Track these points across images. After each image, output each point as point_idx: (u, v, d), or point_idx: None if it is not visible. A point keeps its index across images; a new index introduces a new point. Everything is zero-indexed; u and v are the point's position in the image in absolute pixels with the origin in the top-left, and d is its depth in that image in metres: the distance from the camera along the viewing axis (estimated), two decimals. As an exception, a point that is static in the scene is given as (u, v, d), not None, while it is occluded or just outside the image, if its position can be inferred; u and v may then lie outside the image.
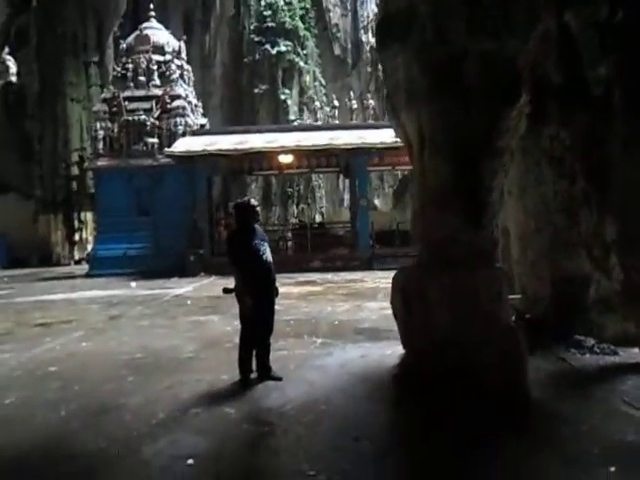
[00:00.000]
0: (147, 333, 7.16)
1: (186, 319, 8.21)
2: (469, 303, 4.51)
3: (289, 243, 19.03)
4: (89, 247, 25.19)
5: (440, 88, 4.86)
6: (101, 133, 17.70)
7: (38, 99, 24.25)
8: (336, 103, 24.61)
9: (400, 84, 5.18)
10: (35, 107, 24.49)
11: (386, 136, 16.34)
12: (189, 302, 10.26)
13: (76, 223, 25.34)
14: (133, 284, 14.21)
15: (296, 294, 10.80)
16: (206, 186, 17.15)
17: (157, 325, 7.77)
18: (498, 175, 4.89)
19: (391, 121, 5.70)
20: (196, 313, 8.81)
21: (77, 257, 25.25)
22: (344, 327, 7.26)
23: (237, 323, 7.02)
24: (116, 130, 17.76)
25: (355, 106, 24.02)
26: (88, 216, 25.23)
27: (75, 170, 24.85)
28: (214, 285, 13.36)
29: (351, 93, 26.29)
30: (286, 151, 16.96)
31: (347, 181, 33.20)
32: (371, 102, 26.50)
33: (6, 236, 24.08)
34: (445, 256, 4.80)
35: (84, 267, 22.00)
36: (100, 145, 17.68)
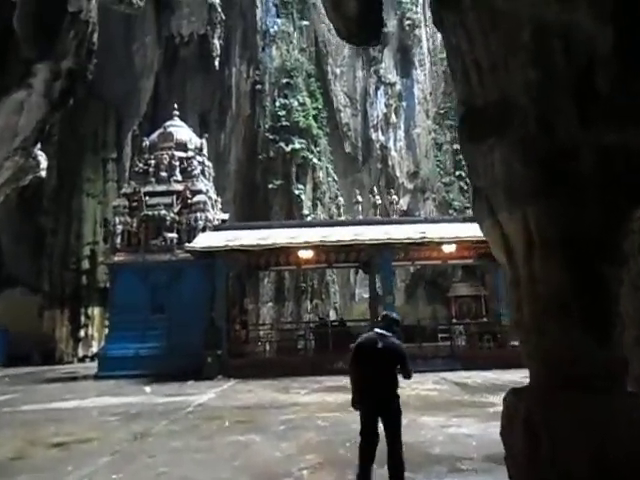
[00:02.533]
0: (185, 460, 6.16)
1: (224, 439, 7.18)
2: (610, 433, 3.71)
3: (308, 342, 18.05)
4: (94, 344, 24.17)
5: (550, 185, 4.31)
6: (119, 228, 17.36)
7: (54, 194, 24.33)
8: (356, 198, 24.62)
9: (498, 181, 4.65)
10: (51, 202, 24.53)
11: (411, 232, 16.00)
12: (218, 415, 9.21)
13: (82, 319, 24.44)
14: (147, 389, 13.13)
15: (333, 404, 9.77)
16: (225, 282, 16.52)
17: (192, 448, 6.75)
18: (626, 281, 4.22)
19: (482, 222, 5.09)
20: (232, 431, 7.76)
21: (81, 354, 24.09)
22: (413, 453, 6.24)
23: (285, 446, 6.06)
24: (135, 225, 17.43)
25: (365, 200, 24.00)
26: (96, 311, 24.43)
27: (86, 264, 24.38)
28: (237, 392, 12.31)
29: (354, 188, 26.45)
30: (310, 247, 16.50)
31: (358, 276, 32.86)
32: (378, 198, 26.80)
33: (7, 331, 23.17)
34: (569, 377, 4.03)
35: (88, 365, 20.85)
36: (118, 240, 17.26)
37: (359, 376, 4.78)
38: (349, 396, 4.78)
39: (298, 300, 27.24)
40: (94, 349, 23.88)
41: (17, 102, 9.78)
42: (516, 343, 21.45)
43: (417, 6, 37.23)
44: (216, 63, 27.68)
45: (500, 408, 4.20)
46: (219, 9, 26.49)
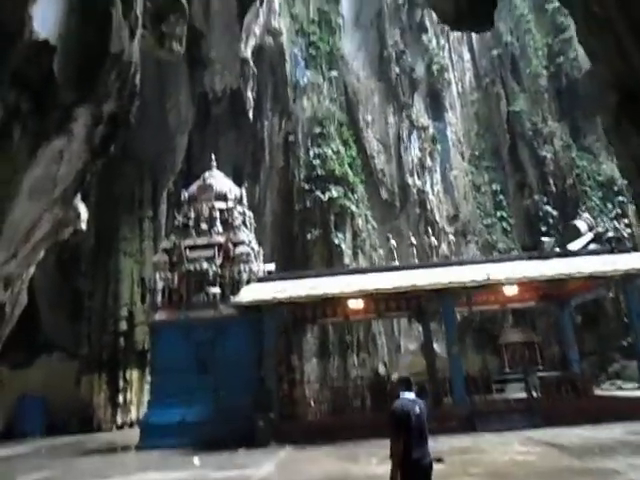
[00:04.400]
0: None
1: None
2: None
3: (364, 400, 16.50)
4: (132, 410, 23.00)
5: None
6: (160, 284, 16.52)
7: (92, 255, 23.92)
8: (392, 243, 23.54)
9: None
10: (89, 263, 24.11)
11: (476, 274, 14.68)
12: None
13: (121, 383, 23.37)
14: (196, 461, 11.81)
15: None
16: (274, 339, 15.35)
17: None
18: None
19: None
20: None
21: (120, 421, 22.86)
22: None
23: None
24: (176, 281, 16.58)
25: (405, 246, 22.83)
26: (134, 375, 23.37)
27: (124, 325, 23.55)
28: (297, 461, 10.90)
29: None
30: (364, 295, 15.30)
31: (402, 326, 31.28)
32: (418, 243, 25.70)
33: (45, 399, 22.32)
34: None
35: (127, 433, 19.62)
36: (158, 297, 16.38)
37: (407, 447, 4.21)
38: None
39: (344, 355, 25.75)
40: (133, 415, 22.70)
41: (57, 150, 9.10)
42: (601, 392, 19.55)
43: (444, 51, 37.21)
44: (250, 115, 27.56)
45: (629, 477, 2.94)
46: (251, 63, 26.60)
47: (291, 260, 28.31)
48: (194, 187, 18.86)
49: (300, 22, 32.78)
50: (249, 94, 27.07)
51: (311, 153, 30.50)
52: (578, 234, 18.91)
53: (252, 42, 26.51)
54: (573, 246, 17.11)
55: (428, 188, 34.07)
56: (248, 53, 26.12)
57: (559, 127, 33.14)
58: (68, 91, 8.73)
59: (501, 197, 35.27)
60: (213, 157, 20.49)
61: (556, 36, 33.86)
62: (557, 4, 33.63)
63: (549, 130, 33.05)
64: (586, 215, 20.82)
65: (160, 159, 26.33)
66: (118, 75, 9.24)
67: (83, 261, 24.71)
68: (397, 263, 20.49)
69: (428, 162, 34.63)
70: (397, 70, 34.80)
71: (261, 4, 26.12)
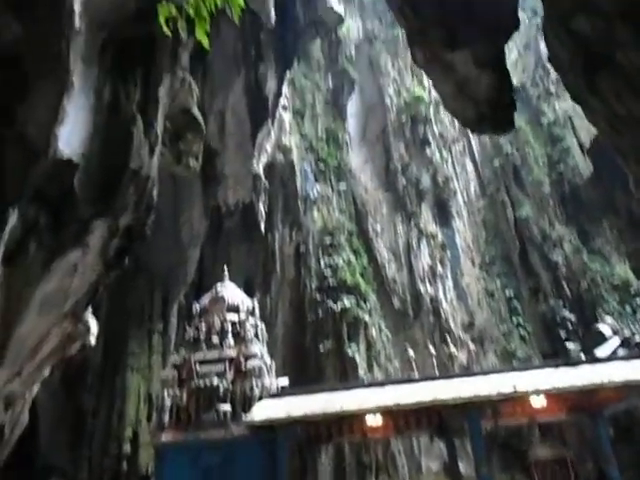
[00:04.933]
0: None
1: None
2: None
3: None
4: None
5: None
6: (168, 402, 15.69)
7: (99, 371, 23.19)
8: (411, 353, 22.71)
9: None
10: (96, 379, 23.29)
11: (501, 385, 13.87)
12: None
13: (121, 513, 21.55)
14: None
15: None
16: (288, 460, 14.24)
17: None
18: None
19: None
20: None
21: None
22: None
23: None
24: (185, 398, 15.77)
25: (420, 356, 21.99)
26: (136, 504, 21.60)
27: (127, 448, 22.17)
28: None
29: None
30: (384, 411, 14.40)
31: (423, 443, 29.31)
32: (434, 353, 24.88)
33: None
34: None
35: None
36: (165, 417, 15.49)
37: None
38: None
39: (362, 477, 23.85)
40: None
41: (71, 263, 9.01)
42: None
43: (447, 162, 38.64)
44: (262, 228, 28.09)
45: None
46: (263, 178, 27.59)
47: (304, 373, 27.28)
48: (205, 299, 18.64)
49: (309, 139, 34.49)
50: (261, 207, 27.78)
51: (322, 263, 30.64)
52: (603, 339, 18.17)
53: (264, 158, 27.69)
54: (600, 352, 16.34)
55: (441, 296, 33.69)
56: (260, 169, 27.18)
57: (567, 231, 33.39)
58: (87, 205, 8.83)
59: (516, 303, 34.70)
60: (225, 269, 20.49)
61: (554, 146, 35.24)
62: (552, 118, 35.47)
63: (557, 234, 33.26)
64: (609, 319, 20.18)
65: (172, 272, 26.42)
66: (136, 189, 9.41)
67: (89, 377, 23.90)
68: (416, 375, 19.60)
69: (439, 269, 34.59)
70: (404, 181, 35.94)
71: (272, 124, 27.60)
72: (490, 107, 4.65)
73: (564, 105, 34.47)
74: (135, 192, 9.00)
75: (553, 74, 35.81)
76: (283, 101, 30.46)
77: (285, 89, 30.57)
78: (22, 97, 7.63)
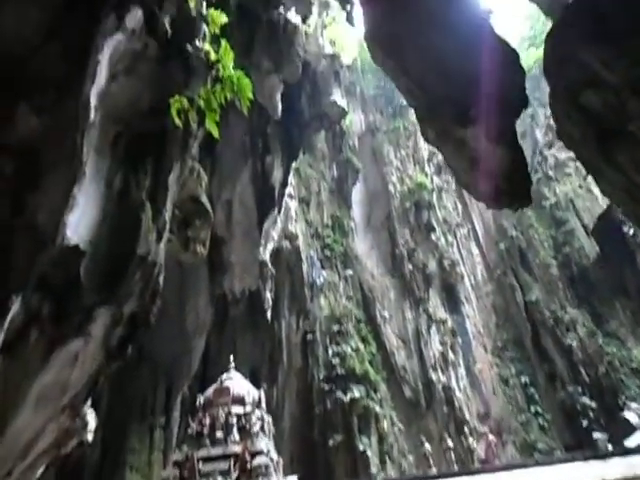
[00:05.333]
0: None
1: None
2: None
3: None
4: None
5: None
6: (168, 505, 14.61)
7: (97, 470, 21.86)
8: (427, 447, 21.46)
9: None
10: (92, 478, 21.91)
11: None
12: None
13: None
14: None
15: None
16: None
17: None
18: None
19: None
20: None
21: None
22: None
23: None
24: (186, 500, 14.70)
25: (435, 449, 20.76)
26: None
27: None
28: None
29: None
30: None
31: None
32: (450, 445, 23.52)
33: None
34: None
35: None
36: (164, 523, 14.35)
37: None
38: None
39: None
40: None
41: (72, 353, 8.66)
42: None
43: (453, 247, 38.76)
44: (268, 316, 27.68)
45: None
46: (269, 265, 27.57)
47: (312, 470, 25.71)
48: (210, 390, 17.92)
49: (315, 227, 34.88)
50: (267, 295, 27.53)
51: (330, 352, 29.87)
52: (630, 427, 17.13)
53: (270, 246, 27.84)
54: (630, 442, 15.33)
55: (453, 384, 32.46)
56: (267, 256, 27.24)
57: (579, 314, 32.74)
58: (91, 293, 8.63)
59: (532, 390, 33.39)
60: (232, 359, 19.92)
61: (558, 229, 35.45)
62: (553, 201, 35.98)
63: (570, 318, 32.58)
64: (635, 405, 19.17)
65: (176, 362, 25.70)
66: (142, 276, 9.27)
67: (86, 476, 22.48)
68: (433, 470, 18.35)
69: (450, 356, 33.59)
70: (410, 267, 35.86)
71: (279, 212, 28.01)
72: (507, 180, 4.63)
73: (564, 188, 35.13)
74: (141, 278, 8.86)
75: (551, 160, 36.87)
76: (289, 190, 31.12)
77: (291, 178, 31.33)
78: (34, 186, 7.70)
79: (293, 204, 32.94)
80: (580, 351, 31.14)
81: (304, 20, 20.47)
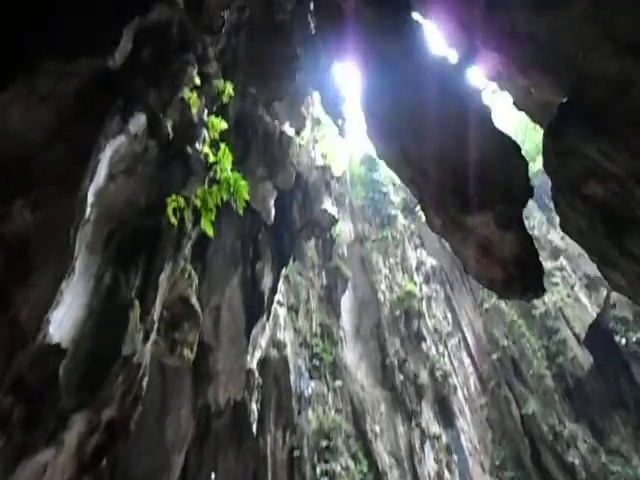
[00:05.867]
0: None
1: None
2: None
3: None
4: None
5: None
6: None
7: None
8: None
9: None
10: None
11: None
12: None
13: None
14: None
15: None
16: None
17: None
18: None
19: None
20: None
21: None
22: None
23: None
24: None
25: None
26: None
27: None
28: None
29: None
30: None
31: None
32: None
33: None
34: None
35: None
36: None
37: None
38: None
39: None
40: None
41: (40, 464, 7.88)
42: None
43: (444, 357, 37.94)
44: (254, 428, 26.15)
45: None
46: (256, 374, 26.55)
47: None
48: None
49: (303, 335, 34.20)
50: (253, 407, 26.21)
51: (318, 470, 27.99)
52: None
53: (258, 354, 27.00)
54: None
55: (451, 508, 30.22)
56: (254, 365, 26.33)
57: (579, 428, 31.35)
58: (70, 396, 8.07)
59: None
60: (213, 477, 18.45)
61: (550, 338, 35.05)
62: (543, 310, 35.96)
63: (569, 432, 31.15)
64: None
65: (153, 479, 23.69)
66: (126, 378, 8.74)
67: None
68: None
69: (446, 476, 31.58)
70: (401, 377, 34.80)
71: (267, 319, 27.55)
72: (518, 268, 4.56)
73: (553, 298, 35.24)
74: (124, 381, 8.34)
75: (538, 269, 37.31)
76: (278, 297, 30.89)
77: (280, 285, 31.24)
78: (23, 283, 7.47)
79: (282, 311, 32.54)
80: (583, 470, 29.43)
81: (297, 133, 21.60)
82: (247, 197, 10.48)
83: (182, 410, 24.14)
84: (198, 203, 10.17)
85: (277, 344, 30.59)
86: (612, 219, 4.53)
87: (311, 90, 22.19)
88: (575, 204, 5.08)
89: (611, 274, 5.49)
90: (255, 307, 26.60)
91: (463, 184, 5.59)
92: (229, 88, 11.65)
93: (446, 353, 38.18)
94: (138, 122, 9.90)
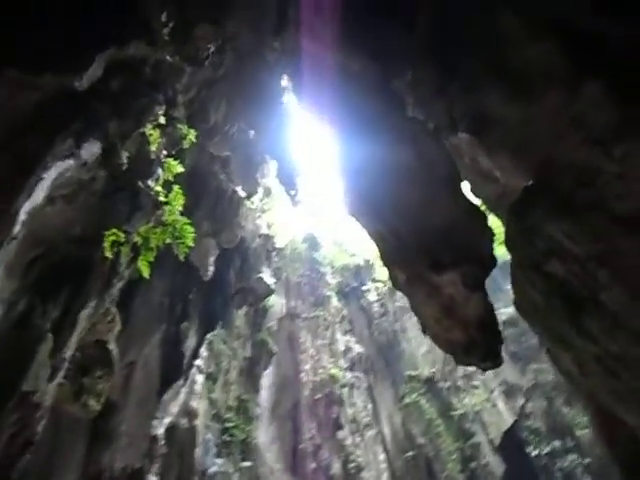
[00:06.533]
0: None
1: None
2: None
3: None
4: None
5: None
6: None
7: None
8: None
9: None
10: None
11: None
12: None
13: None
14: None
15: None
16: None
17: None
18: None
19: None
20: None
21: None
22: None
23: None
24: None
25: None
26: None
27: None
28: None
29: None
30: None
31: None
32: None
33: None
34: None
35: None
36: None
37: None
38: None
39: None
40: None
41: None
42: None
43: (359, 448, 36.82)
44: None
45: None
46: (161, 442, 24.55)
47: None
48: None
49: (218, 407, 32.40)
50: (152, 477, 23.99)
51: None
52: None
53: (166, 420, 25.16)
54: None
55: None
56: (160, 431, 24.43)
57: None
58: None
59: None
60: None
61: (465, 441, 34.93)
62: (462, 411, 36.07)
63: None
64: None
65: None
66: (20, 418, 7.77)
67: None
68: None
69: None
70: (313, 465, 33.29)
71: (183, 384, 26.05)
72: (481, 331, 4.48)
73: (472, 400, 35.55)
74: (18, 420, 7.38)
75: (460, 370, 37.87)
76: (199, 362, 29.47)
77: (203, 350, 29.92)
78: None
79: (199, 378, 30.87)
80: None
81: (248, 197, 21.60)
82: (191, 244, 10.11)
83: (70, 473, 21.70)
84: (139, 240, 9.69)
85: (189, 412, 28.68)
86: (572, 298, 4.61)
87: (268, 158, 22.49)
88: (535, 281, 5.18)
89: (561, 356, 5.50)
90: (172, 369, 25.18)
91: (433, 245, 5.61)
92: (192, 135, 11.59)
93: (362, 445, 37.10)
94: (92, 149, 9.54)
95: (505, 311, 27.09)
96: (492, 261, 6.22)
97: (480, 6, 6.74)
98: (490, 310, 4.84)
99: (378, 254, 8.21)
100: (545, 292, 5.05)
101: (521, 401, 34.55)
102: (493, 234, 6.75)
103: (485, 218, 6.73)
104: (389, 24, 9.66)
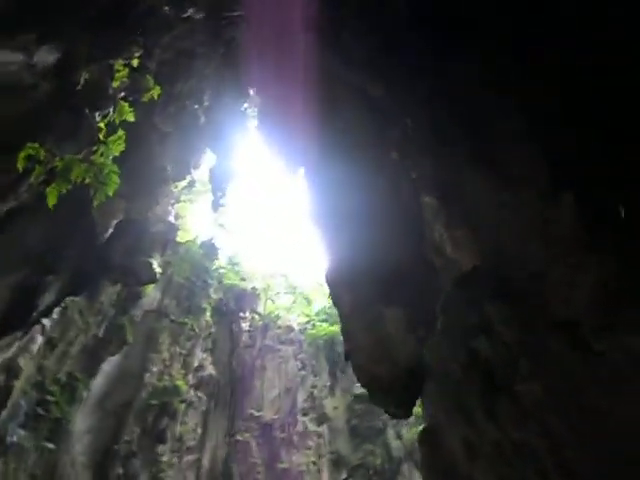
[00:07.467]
0: None
1: None
2: None
3: None
4: None
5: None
6: None
7: None
8: None
9: None
10: None
11: None
12: None
13: None
14: None
15: None
16: None
17: None
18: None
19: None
20: None
21: None
22: None
23: None
24: None
25: None
26: None
27: None
28: None
29: None
30: None
31: None
32: None
33: None
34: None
35: None
36: None
37: None
38: None
39: None
40: None
41: None
42: None
43: (173, 469, 35.06)
44: None
45: None
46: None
47: None
48: None
49: (45, 376, 29.65)
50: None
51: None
52: None
53: (-15, 368, 22.51)
54: None
55: None
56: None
57: None
58: None
59: None
60: None
61: (278, 498, 34.48)
62: (287, 466, 35.70)
63: None
64: None
65: None
66: None
67: None
68: None
69: None
70: (120, 471, 31.10)
71: (20, 338, 23.68)
72: (407, 373, 4.44)
73: (300, 459, 35.36)
74: None
75: (300, 426, 37.76)
76: (46, 321, 27.11)
77: (55, 312, 27.60)
78: None
79: (40, 339, 28.24)
80: None
81: (174, 180, 20.77)
82: (112, 190, 9.41)
83: None
84: (59, 166, 8.82)
85: (11, 369, 25.95)
86: (491, 379, 4.70)
87: (210, 153, 21.88)
88: (459, 354, 5.26)
89: (449, 432, 5.55)
90: (16, 318, 22.89)
91: (383, 277, 5.61)
92: (157, 90, 11.03)
93: (177, 466, 35.36)
94: (46, 57, 8.75)
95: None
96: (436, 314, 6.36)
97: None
98: (422, 358, 4.90)
99: (323, 268, 8.16)
100: (465, 366, 5.15)
101: (343, 475, 34.91)
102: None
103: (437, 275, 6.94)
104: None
